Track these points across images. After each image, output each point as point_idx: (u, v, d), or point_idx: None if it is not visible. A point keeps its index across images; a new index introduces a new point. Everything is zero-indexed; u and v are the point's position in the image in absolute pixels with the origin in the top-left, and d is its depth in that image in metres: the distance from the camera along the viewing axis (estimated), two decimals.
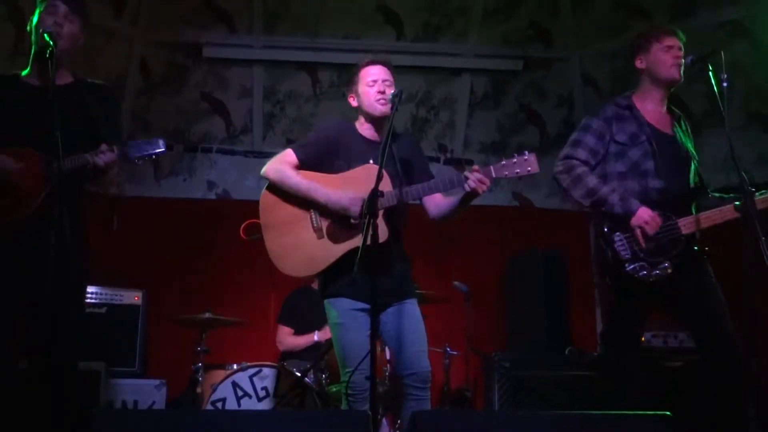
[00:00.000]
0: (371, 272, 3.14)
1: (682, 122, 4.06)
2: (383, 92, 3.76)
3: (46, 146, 3.23)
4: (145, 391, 5.48)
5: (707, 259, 3.75)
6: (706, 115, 6.52)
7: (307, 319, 5.81)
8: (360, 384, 3.51)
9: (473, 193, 3.59)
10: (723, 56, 3.57)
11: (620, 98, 4.04)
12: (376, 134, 3.85)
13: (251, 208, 7.09)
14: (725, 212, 3.70)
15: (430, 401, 3.62)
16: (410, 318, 3.66)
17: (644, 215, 3.68)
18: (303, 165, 3.85)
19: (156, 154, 3.71)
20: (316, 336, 5.67)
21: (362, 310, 3.56)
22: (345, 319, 3.61)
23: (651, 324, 4.99)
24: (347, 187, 3.66)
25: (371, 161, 3.73)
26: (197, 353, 5.22)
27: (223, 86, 7.03)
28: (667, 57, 3.92)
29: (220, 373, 5.19)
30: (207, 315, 5.27)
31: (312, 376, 5.13)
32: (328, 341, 5.43)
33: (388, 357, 5.02)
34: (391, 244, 3.64)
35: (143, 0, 6.43)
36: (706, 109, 6.46)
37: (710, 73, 3.60)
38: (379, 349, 4.77)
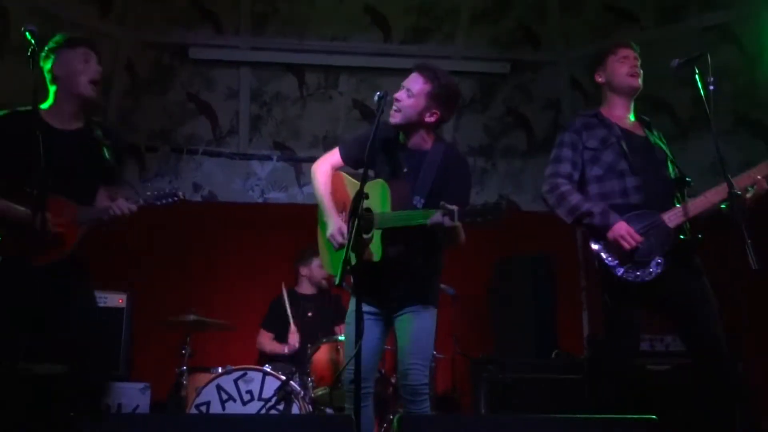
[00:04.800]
0: (360, 289, 3.18)
1: (652, 128, 4.08)
2: (398, 100, 3.71)
3: (66, 185, 3.60)
4: (129, 395, 5.45)
5: (696, 250, 3.77)
6: (692, 119, 6.54)
7: (287, 326, 5.81)
8: (348, 384, 3.55)
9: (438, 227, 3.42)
10: (710, 60, 3.58)
11: (587, 111, 4.14)
12: (416, 142, 3.74)
13: (237, 210, 7.10)
14: (712, 196, 3.71)
15: (428, 409, 3.62)
16: (417, 329, 3.63)
17: (620, 229, 3.70)
18: (349, 164, 3.84)
19: (174, 202, 3.89)
20: (285, 349, 5.69)
21: (369, 313, 3.60)
22: (350, 320, 3.66)
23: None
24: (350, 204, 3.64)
25: (405, 169, 3.67)
26: (182, 356, 5.19)
27: (209, 87, 6.99)
28: (623, 67, 4.00)
29: (205, 377, 5.16)
30: (192, 317, 5.24)
31: (297, 379, 5.10)
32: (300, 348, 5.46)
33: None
34: (401, 254, 3.60)
35: (129, 0, 6.39)
36: (693, 113, 6.48)
37: (696, 77, 3.61)
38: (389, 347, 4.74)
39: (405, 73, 6.92)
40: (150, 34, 6.66)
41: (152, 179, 7.08)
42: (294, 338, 5.70)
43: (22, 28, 3.32)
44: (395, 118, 3.71)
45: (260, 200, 7.24)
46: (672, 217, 3.74)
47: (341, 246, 3.58)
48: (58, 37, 3.78)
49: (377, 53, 6.97)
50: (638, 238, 3.68)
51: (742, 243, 3.33)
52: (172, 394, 5.31)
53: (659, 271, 3.67)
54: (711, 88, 3.53)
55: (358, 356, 3.10)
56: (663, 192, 3.85)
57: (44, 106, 3.73)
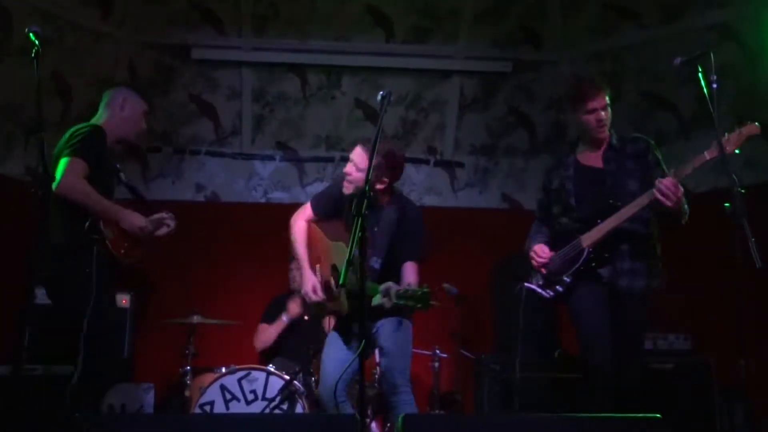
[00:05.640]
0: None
1: (625, 151, 4.24)
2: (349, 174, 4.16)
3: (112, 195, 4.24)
4: (133, 395, 5.45)
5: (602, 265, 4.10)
6: (695, 117, 6.54)
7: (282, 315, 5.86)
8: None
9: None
10: (712, 58, 3.58)
11: (567, 155, 4.44)
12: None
13: (240, 210, 7.11)
14: (626, 211, 3.97)
15: (409, 401, 4.04)
16: (390, 336, 4.08)
17: (534, 248, 4.27)
18: (320, 216, 4.35)
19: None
20: (284, 317, 5.75)
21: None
22: (330, 339, 4.28)
23: None
24: (324, 263, 4.27)
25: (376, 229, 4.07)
26: (185, 356, 5.20)
27: (211, 88, 6.99)
28: (590, 120, 4.18)
29: (209, 376, 5.17)
30: (195, 317, 5.25)
31: (301, 379, 5.11)
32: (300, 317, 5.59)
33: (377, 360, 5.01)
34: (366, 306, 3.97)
35: (131, 1, 6.39)
36: (696, 112, 6.48)
37: (699, 75, 3.61)
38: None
39: (407, 72, 7.07)
40: (151, 35, 6.65)
41: (155, 180, 7.09)
42: (294, 307, 5.74)
43: (26, 30, 3.34)
44: (348, 189, 4.14)
45: (263, 200, 7.24)
46: (587, 237, 4.06)
47: (316, 302, 4.14)
48: (133, 84, 4.58)
49: (379, 53, 6.97)
50: (546, 255, 4.20)
51: (745, 241, 3.34)
52: (176, 394, 5.33)
53: (561, 290, 4.16)
54: (714, 86, 3.54)
55: (361, 357, 3.11)
56: (594, 216, 4.10)
57: (99, 121, 4.29)
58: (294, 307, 5.79)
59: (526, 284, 4.29)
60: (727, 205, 3.62)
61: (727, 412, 5.39)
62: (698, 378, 5.35)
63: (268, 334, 5.90)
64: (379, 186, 4.11)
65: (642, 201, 3.93)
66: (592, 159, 4.27)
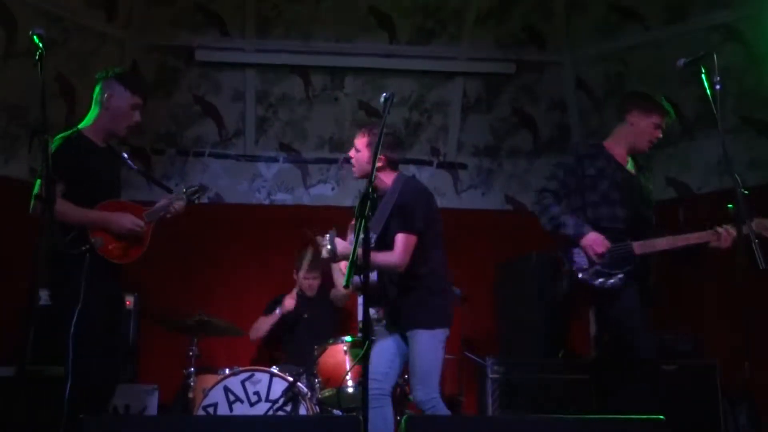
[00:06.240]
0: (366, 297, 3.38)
1: (645, 171, 4.60)
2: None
3: (111, 194, 4.19)
4: (137, 396, 5.46)
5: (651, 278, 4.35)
6: (698, 118, 6.53)
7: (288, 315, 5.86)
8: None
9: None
10: (715, 59, 3.58)
11: (591, 142, 4.67)
12: (379, 185, 4.20)
13: (244, 211, 7.11)
14: (681, 240, 4.24)
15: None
16: (417, 352, 4.04)
17: (592, 238, 4.23)
18: None
19: (204, 194, 4.51)
20: (278, 310, 5.78)
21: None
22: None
23: None
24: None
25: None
26: (189, 358, 5.20)
27: (215, 90, 7.00)
28: (652, 132, 4.47)
29: (212, 378, 5.17)
30: (199, 318, 5.25)
31: (305, 380, 5.11)
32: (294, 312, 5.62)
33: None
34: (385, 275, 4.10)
35: (135, 3, 6.41)
36: (699, 112, 6.47)
37: (703, 76, 3.61)
38: None
39: (410, 74, 7.04)
40: (155, 37, 6.67)
41: None
42: (290, 301, 5.77)
43: (30, 32, 3.34)
44: (354, 174, 4.31)
45: (266, 202, 7.24)
46: (640, 246, 4.23)
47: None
48: (116, 70, 4.27)
49: (382, 54, 6.97)
50: (607, 244, 4.21)
51: (749, 242, 3.33)
52: (180, 395, 5.32)
53: (617, 284, 4.20)
54: (717, 87, 3.54)
55: (366, 357, 3.10)
56: (642, 227, 4.34)
57: (85, 125, 4.21)
58: (289, 302, 5.83)
59: (580, 274, 4.28)
60: (730, 206, 3.63)
61: (732, 414, 5.38)
62: (702, 379, 5.34)
63: (260, 324, 5.98)
64: (378, 163, 4.06)
65: (703, 237, 4.19)
66: (622, 161, 4.50)
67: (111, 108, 4.18)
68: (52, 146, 3.85)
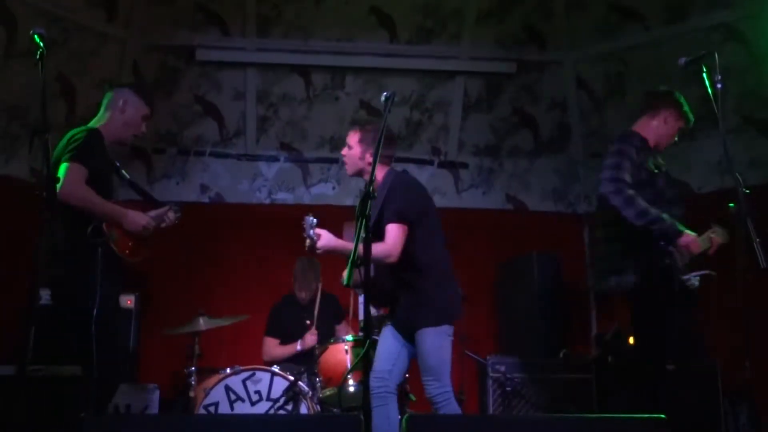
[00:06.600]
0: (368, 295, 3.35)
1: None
2: None
3: (113, 194, 4.26)
4: (138, 396, 5.45)
5: None
6: (699, 117, 6.51)
7: (291, 329, 5.82)
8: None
9: None
10: (716, 59, 3.57)
11: (634, 132, 4.49)
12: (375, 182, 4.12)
13: (244, 211, 7.11)
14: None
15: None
16: (425, 349, 4.01)
17: (691, 236, 4.18)
18: None
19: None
20: (298, 346, 5.69)
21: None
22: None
23: None
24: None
25: None
26: (190, 357, 5.20)
27: (216, 89, 7.00)
28: (672, 137, 4.57)
29: (213, 377, 5.17)
30: (200, 318, 5.25)
31: (306, 380, 5.11)
32: (311, 348, 5.46)
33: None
34: (384, 275, 4.07)
35: (135, 3, 6.41)
36: (700, 112, 6.44)
37: (704, 75, 3.61)
38: None
39: (411, 73, 7.03)
40: (156, 36, 6.67)
41: (159, 181, 7.10)
42: (312, 338, 5.67)
43: (31, 31, 3.34)
44: (347, 172, 4.32)
45: (267, 201, 7.24)
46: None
47: None
48: (130, 81, 4.61)
49: (383, 54, 6.97)
50: (701, 246, 4.20)
51: (750, 241, 3.33)
52: (181, 394, 5.33)
53: (698, 285, 4.19)
54: (718, 86, 3.53)
55: (366, 356, 3.10)
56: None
57: (99, 124, 4.27)
58: (311, 339, 5.70)
59: (693, 274, 4.22)
60: (731, 205, 3.63)
61: (732, 413, 5.38)
62: (703, 379, 5.34)
63: (278, 352, 5.82)
64: (369, 159, 4.14)
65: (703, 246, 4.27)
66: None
67: (125, 115, 4.30)
68: (80, 136, 4.03)
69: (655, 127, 4.51)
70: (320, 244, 3.95)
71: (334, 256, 4.04)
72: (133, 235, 4.12)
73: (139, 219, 4.13)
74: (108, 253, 3.98)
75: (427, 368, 4.00)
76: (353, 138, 4.23)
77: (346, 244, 3.99)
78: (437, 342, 4.00)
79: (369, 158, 4.13)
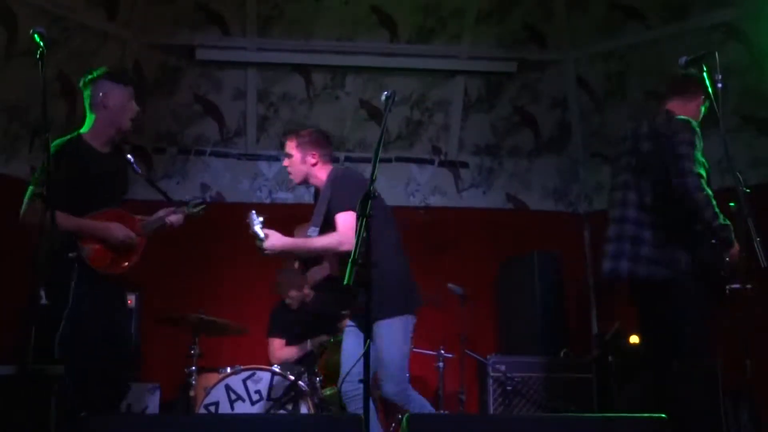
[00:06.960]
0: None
1: None
2: None
3: (111, 201, 4.11)
4: (139, 395, 5.46)
5: None
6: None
7: (296, 329, 5.81)
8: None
9: None
10: (717, 58, 3.57)
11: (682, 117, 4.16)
12: (318, 185, 4.31)
13: (245, 210, 7.06)
14: None
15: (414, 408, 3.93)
16: (382, 344, 3.89)
17: (738, 247, 3.86)
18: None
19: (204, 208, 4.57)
20: (309, 344, 5.66)
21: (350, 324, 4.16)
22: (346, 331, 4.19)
23: None
24: None
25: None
26: (190, 356, 5.20)
27: (216, 88, 7.00)
28: (700, 113, 4.27)
29: (214, 377, 5.17)
30: (200, 317, 5.25)
31: (306, 379, 5.11)
32: (322, 344, 5.44)
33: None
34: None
35: (136, 2, 6.41)
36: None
37: (704, 74, 3.60)
38: None
39: (411, 72, 7.06)
40: (157, 36, 6.67)
41: (160, 181, 7.09)
42: (323, 336, 5.64)
43: (31, 31, 3.33)
44: (294, 181, 4.38)
45: (267, 200, 7.24)
46: None
47: None
48: (101, 70, 4.15)
49: (384, 53, 6.97)
50: None
51: (750, 241, 3.33)
52: (181, 394, 5.32)
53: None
54: (719, 85, 3.53)
55: (366, 356, 3.10)
56: None
57: (84, 130, 4.11)
58: (323, 336, 5.68)
59: (735, 285, 4.07)
60: (732, 204, 3.63)
61: (733, 413, 5.37)
62: (703, 378, 5.33)
63: (288, 353, 5.80)
64: (311, 161, 4.23)
65: None
66: None
67: (110, 106, 4.07)
68: (51, 151, 3.74)
69: (693, 112, 4.23)
70: (267, 244, 3.91)
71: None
72: (115, 247, 4.00)
73: (117, 233, 3.98)
74: (85, 265, 3.89)
75: (380, 365, 3.91)
76: (291, 146, 4.27)
77: (297, 243, 4.04)
78: (391, 335, 3.91)
79: (311, 160, 4.22)
